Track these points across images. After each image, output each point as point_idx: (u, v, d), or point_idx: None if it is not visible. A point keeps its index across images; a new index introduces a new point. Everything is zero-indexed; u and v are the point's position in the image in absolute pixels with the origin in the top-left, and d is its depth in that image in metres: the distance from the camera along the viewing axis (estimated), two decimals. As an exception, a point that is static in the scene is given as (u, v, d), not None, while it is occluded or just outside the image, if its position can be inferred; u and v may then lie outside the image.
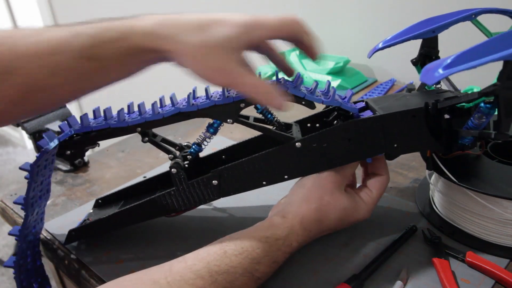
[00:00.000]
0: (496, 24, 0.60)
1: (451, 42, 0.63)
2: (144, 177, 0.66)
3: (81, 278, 0.56)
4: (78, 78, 0.46)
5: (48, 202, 0.68)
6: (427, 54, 0.60)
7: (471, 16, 0.55)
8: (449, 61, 0.41)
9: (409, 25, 0.59)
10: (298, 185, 0.53)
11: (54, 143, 0.51)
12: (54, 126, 0.84)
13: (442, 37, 0.58)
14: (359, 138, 0.51)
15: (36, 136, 0.85)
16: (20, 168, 0.50)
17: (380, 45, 0.58)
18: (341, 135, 0.50)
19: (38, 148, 0.52)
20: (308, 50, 0.49)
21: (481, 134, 0.47)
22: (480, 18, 0.56)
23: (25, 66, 0.45)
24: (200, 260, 0.44)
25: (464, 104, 0.49)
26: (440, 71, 0.41)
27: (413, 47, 0.60)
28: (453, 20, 0.55)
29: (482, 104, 0.47)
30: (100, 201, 0.64)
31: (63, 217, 0.66)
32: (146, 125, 0.52)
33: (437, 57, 0.60)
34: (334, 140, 0.50)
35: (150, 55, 0.46)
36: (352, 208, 0.52)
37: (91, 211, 0.63)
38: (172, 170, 0.52)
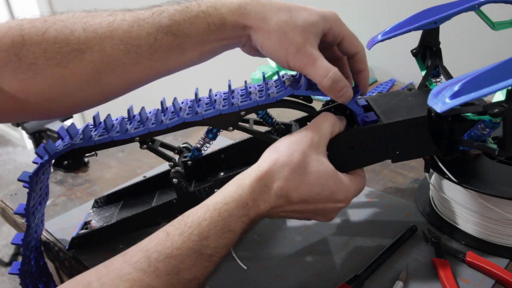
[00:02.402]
0: (499, 13, 0.58)
1: (453, 32, 0.61)
2: (144, 176, 0.66)
3: (81, 278, 0.56)
4: (152, 56, 0.46)
5: (48, 202, 0.68)
6: (428, 45, 0.59)
7: (475, 6, 0.54)
8: (456, 88, 0.41)
9: (409, 15, 0.57)
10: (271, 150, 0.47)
11: (53, 156, 0.50)
12: (54, 126, 0.84)
13: (443, 26, 0.56)
14: (362, 146, 0.50)
15: (36, 136, 0.85)
16: (19, 180, 0.49)
17: (379, 37, 0.57)
18: (344, 143, 0.50)
19: (38, 149, 0.52)
20: (356, 75, 0.51)
21: (484, 149, 0.46)
22: (483, 7, 0.55)
23: (99, 44, 0.45)
24: (141, 249, 0.40)
25: (469, 114, 0.49)
26: (447, 100, 0.41)
27: (414, 46, 0.60)
28: (456, 10, 0.54)
29: (487, 118, 0.46)
30: (99, 201, 0.64)
31: (63, 217, 0.66)
32: (149, 135, 0.51)
33: (438, 49, 0.59)
34: (336, 148, 0.50)
35: (230, 32, 0.47)
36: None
37: (91, 211, 0.63)
38: (174, 180, 0.52)
